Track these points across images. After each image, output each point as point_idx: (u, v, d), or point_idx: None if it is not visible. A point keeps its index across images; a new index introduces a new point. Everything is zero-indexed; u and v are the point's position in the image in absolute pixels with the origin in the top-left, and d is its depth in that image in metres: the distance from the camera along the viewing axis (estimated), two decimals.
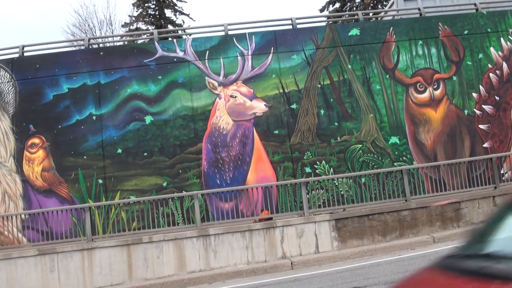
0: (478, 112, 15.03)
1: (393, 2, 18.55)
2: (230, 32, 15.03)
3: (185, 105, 14.45)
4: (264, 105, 14.48)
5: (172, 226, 13.07)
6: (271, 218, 12.68)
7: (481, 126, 14.97)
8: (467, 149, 14.83)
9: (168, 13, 32.08)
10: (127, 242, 11.87)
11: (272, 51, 14.77)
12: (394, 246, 11.83)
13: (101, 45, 18.10)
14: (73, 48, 14.92)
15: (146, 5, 30.95)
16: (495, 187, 13.37)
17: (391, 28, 15.15)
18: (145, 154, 14.18)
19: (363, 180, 13.71)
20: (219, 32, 15.19)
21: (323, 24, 15.46)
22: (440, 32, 15.25)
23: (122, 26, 30.10)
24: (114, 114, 14.29)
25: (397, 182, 13.46)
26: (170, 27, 30.23)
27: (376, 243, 12.25)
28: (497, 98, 15.14)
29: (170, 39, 15.75)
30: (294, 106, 14.62)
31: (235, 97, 14.48)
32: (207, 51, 14.65)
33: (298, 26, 15.21)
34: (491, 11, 15.82)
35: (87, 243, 11.92)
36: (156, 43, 14.66)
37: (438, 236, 12.06)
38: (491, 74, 15.24)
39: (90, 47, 15.16)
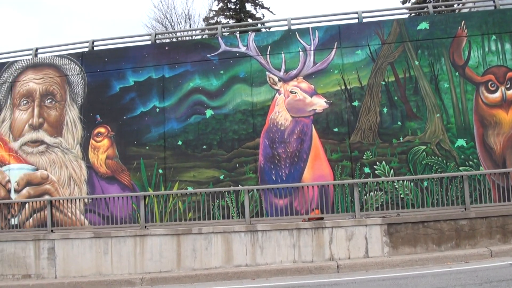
0: None
1: None
2: (293, 27, 14.86)
3: (245, 99, 14.55)
4: (325, 101, 14.20)
5: (226, 219, 13.25)
6: (322, 218, 12.44)
7: None
8: None
9: (249, 7, 32.29)
10: (177, 231, 12.23)
11: (335, 46, 14.43)
12: (448, 257, 11.18)
13: (167, 40, 18.56)
14: (140, 43, 15.32)
15: None
16: None
17: (463, 21, 14.21)
18: (204, 147, 14.45)
19: (425, 184, 13.06)
20: (283, 27, 15.07)
21: (391, 17, 14.78)
22: None
23: (203, 20, 30.85)
24: (176, 107, 14.73)
25: (459, 189, 12.73)
26: (249, 21, 30.41)
27: (430, 252, 11.65)
28: None
29: (234, 33, 15.85)
30: (356, 103, 14.21)
31: (295, 93, 14.33)
32: (269, 46, 14.62)
33: (365, 20, 14.72)
34: None
35: (140, 230, 12.42)
36: (219, 38, 14.85)
37: (496, 250, 11.24)
38: None
39: (156, 42, 15.60)
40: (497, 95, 13.96)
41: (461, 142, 13.85)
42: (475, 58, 14.14)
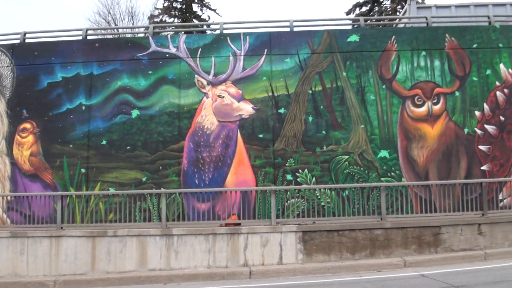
0: (479, 131, 14.03)
1: (405, 10, 17.62)
2: (226, 31, 14.84)
3: (172, 101, 14.40)
4: (252, 107, 14.19)
5: (147, 222, 13.18)
6: (239, 224, 12.43)
7: (481, 147, 13.97)
8: (463, 170, 13.88)
9: (195, 7, 32.05)
10: (92, 233, 12.02)
11: (265, 53, 14.43)
12: (361, 266, 11.37)
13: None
14: (72, 38, 15.08)
15: None
16: (483, 214, 12.50)
17: (393, 36, 14.36)
18: (128, 147, 14.27)
19: (346, 193, 13.21)
20: (216, 30, 15.05)
21: (322, 28, 14.83)
22: (446, 44, 14.33)
23: (148, 18, 30.54)
24: (102, 106, 14.47)
25: (378, 199, 12.87)
26: (195, 21, 30.20)
27: (344, 260, 11.78)
28: (502, 118, 14.06)
29: (165, 34, 15.77)
30: (282, 110, 14.23)
31: (223, 97, 14.29)
32: (200, 49, 14.50)
33: (296, 29, 14.78)
34: (505, 25, 14.66)
35: (56, 231, 12.17)
36: (150, 38, 14.69)
37: (410, 260, 11.46)
38: (498, 92, 14.18)
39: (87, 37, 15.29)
40: (423, 109, 14.14)
41: (384, 153, 13.99)
42: (403, 73, 14.32)
